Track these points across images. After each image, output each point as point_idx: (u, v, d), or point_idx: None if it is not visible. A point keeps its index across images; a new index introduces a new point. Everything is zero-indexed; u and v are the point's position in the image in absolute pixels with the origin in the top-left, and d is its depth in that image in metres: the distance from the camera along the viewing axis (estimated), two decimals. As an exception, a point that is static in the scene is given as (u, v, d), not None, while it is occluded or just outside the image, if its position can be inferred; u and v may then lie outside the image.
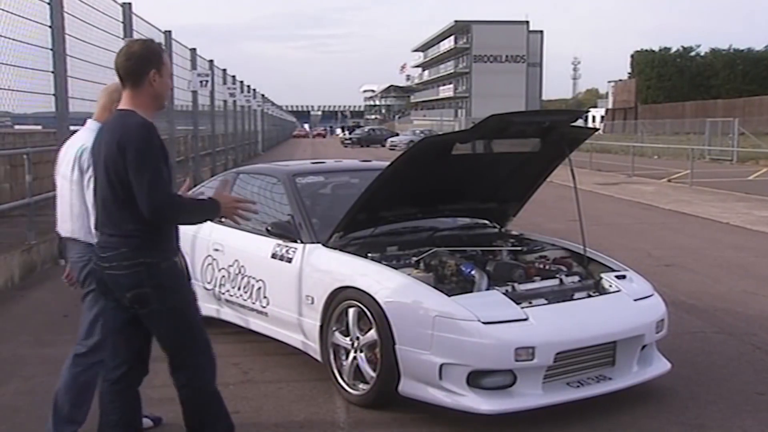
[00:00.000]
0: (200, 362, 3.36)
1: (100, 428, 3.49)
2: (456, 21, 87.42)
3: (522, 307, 4.09)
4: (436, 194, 5.03)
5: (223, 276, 5.42)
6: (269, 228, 5.00)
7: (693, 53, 78.28)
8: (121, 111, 3.24)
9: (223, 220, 4.20)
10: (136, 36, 11.71)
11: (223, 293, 5.43)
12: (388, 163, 4.72)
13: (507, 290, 4.30)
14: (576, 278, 4.66)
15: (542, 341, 3.94)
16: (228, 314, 5.49)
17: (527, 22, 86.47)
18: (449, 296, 4.08)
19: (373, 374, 4.23)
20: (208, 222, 4.44)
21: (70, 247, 3.89)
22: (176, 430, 3.75)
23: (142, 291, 3.17)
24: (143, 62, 3.21)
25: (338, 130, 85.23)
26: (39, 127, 14.88)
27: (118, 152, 3.09)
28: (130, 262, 3.16)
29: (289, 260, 4.86)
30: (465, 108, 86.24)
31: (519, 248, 5.13)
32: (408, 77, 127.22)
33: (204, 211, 3.36)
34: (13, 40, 7.83)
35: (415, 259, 4.64)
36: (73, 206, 3.78)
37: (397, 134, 55.90)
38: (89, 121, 3.86)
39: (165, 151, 3.19)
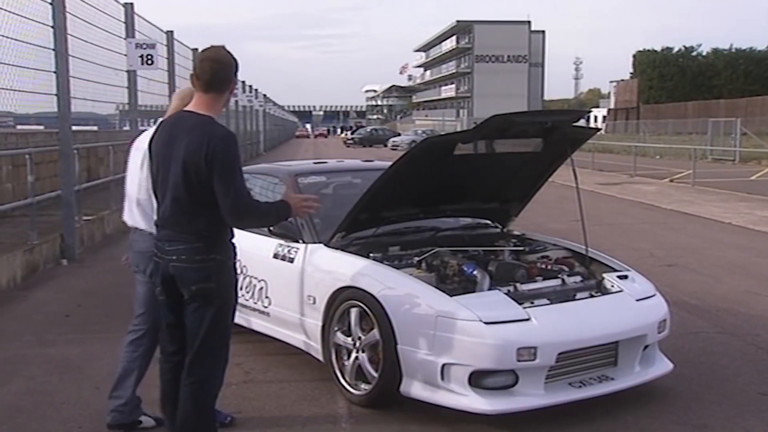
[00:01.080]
0: (217, 363, 3.46)
1: (162, 397, 3.66)
2: (458, 21, 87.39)
3: (524, 307, 4.09)
4: (438, 194, 5.02)
5: (225, 276, 5.42)
6: (271, 228, 5.00)
7: (695, 53, 78.25)
8: (201, 116, 3.31)
9: None
10: (138, 36, 11.72)
11: (225, 293, 5.42)
12: (390, 163, 4.72)
13: (509, 290, 4.30)
14: (578, 278, 4.66)
15: (544, 341, 3.94)
16: (230, 314, 5.48)
17: (529, 22, 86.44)
18: (451, 296, 4.08)
19: (375, 374, 4.23)
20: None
21: (137, 237, 4.03)
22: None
23: (208, 286, 3.30)
24: (232, 69, 3.33)
25: (338, 130, 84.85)
26: (41, 127, 14.90)
27: (204, 161, 3.19)
28: (202, 257, 3.30)
29: (291, 260, 4.86)
30: (467, 108, 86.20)
31: (521, 248, 5.13)
32: (410, 77, 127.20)
33: (278, 213, 3.49)
34: (16, 40, 7.84)
35: (417, 259, 4.64)
36: (141, 199, 3.95)
37: (399, 134, 55.89)
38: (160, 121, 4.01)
39: (240, 159, 3.32)
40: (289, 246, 4.93)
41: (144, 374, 4.00)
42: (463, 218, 5.54)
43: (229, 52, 3.38)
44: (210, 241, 3.31)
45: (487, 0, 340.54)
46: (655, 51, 79.31)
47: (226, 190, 3.19)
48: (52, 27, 8.53)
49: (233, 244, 3.46)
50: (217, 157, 3.19)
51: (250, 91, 31.80)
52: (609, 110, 76.38)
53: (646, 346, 4.42)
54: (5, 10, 7.63)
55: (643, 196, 16.52)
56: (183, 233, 3.32)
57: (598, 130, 5.89)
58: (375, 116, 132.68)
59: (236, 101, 26.53)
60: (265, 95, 42.30)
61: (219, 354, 3.45)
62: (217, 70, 3.30)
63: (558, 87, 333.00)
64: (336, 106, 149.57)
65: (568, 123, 4.73)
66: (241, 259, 5.22)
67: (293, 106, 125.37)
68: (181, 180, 3.27)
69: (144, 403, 4.04)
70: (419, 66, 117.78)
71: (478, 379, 3.93)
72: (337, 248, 4.72)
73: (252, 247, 5.20)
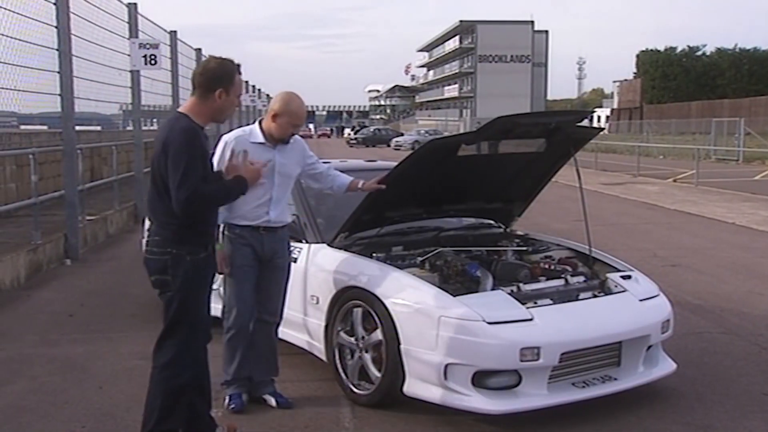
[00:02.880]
0: (180, 353, 3.52)
1: None
2: (461, 21, 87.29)
3: (527, 308, 4.09)
4: (441, 194, 5.02)
5: (228, 276, 5.41)
6: (274, 228, 4.99)
7: (699, 53, 78.08)
8: (177, 113, 3.56)
9: None
10: (141, 36, 11.74)
11: (228, 293, 5.42)
12: (393, 163, 4.72)
13: (512, 290, 4.30)
14: (581, 278, 4.65)
15: (547, 341, 3.93)
16: (233, 314, 5.48)
17: (532, 22, 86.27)
18: (454, 296, 4.08)
19: (378, 374, 4.23)
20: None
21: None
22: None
23: (163, 278, 3.46)
24: (215, 79, 3.52)
25: (347, 130, 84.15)
26: (45, 128, 14.93)
27: (162, 151, 3.40)
28: (160, 250, 3.46)
29: (294, 260, 4.86)
30: (470, 108, 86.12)
31: (524, 248, 5.13)
32: (413, 77, 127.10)
33: (232, 192, 3.63)
34: (20, 40, 7.85)
35: (420, 259, 4.64)
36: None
37: (402, 134, 55.87)
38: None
39: (204, 154, 3.46)
40: (292, 246, 4.93)
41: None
42: (467, 218, 5.54)
43: (220, 63, 3.57)
44: (168, 235, 3.44)
45: (490, 0, 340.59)
46: (659, 51, 79.16)
47: (173, 179, 3.34)
48: (56, 27, 8.54)
49: (206, 238, 3.55)
50: (170, 147, 3.36)
51: (253, 91, 31.77)
52: (612, 110, 76.33)
53: (649, 347, 4.42)
54: (9, 10, 7.64)
55: (646, 196, 16.51)
56: (153, 225, 3.52)
57: (602, 129, 5.90)
58: (378, 116, 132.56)
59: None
60: (268, 95, 42.28)
61: (183, 344, 3.52)
62: (198, 76, 3.55)
63: (561, 87, 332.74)
64: (339, 106, 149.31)
65: (572, 123, 4.72)
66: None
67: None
68: (151, 174, 3.51)
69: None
70: (422, 66, 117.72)
71: (481, 379, 3.93)
72: (340, 248, 4.72)
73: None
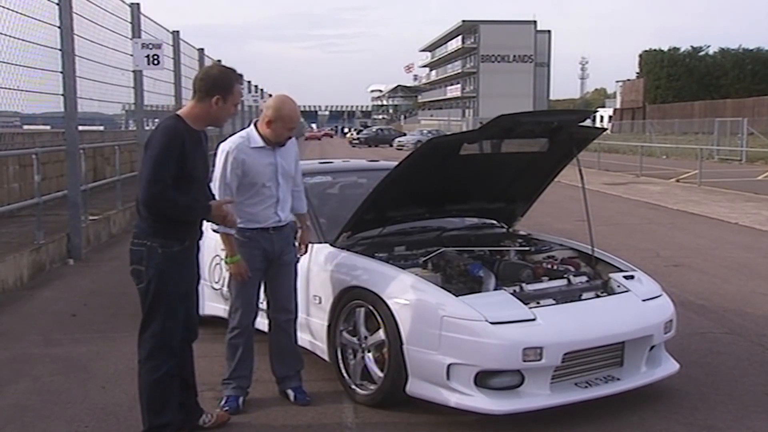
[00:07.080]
0: (152, 349, 3.66)
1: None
2: (463, 21, 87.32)
3: (530, 308, 4.08)
4: (443, 194, 5.02)
5: (231, 276, 5.42)
6: (277, 228, 4.99)
7: (702, 53, 77.91)
8: (173, 114, 3.70)
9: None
10: (144, 36, 11.75)
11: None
12: (395, 163, 4.72)
13: (515, 290, 4.29)
14: (584, 278, 4.65)
15: (550, 341, 3.93)
16: (236, 314, 5.48)
17: (535, 21, 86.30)
18: (457, 296, 4.08)
19: (381, 374, 4.23)
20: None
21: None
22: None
23: (138, 268, 3.64)
24: (213, 86, 3.65)
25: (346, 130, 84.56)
26: (47, 127, 14.97)
27: (145, 147, 3.59)
28: (137, 241, 3.64)
29: (297, 260, 4.85)
30: (472, 108, 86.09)
31: (527, 248, 5.12)
32: (415, 77, 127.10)
33: (196, 211, 3.70)
34: (23, 40, 7.87)
35: (422, 259, 4.64)
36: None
37: (405, 134, 55.86)
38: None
39: (182, 155, 3.51)
40: (295, 245, 4.92)
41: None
42: (469, 218, 5.54)
43: (221, 70, 3.72)
44: (144, 227, 3.60)
45: (493, 0, 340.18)
46: (662, 51, 78.96)
47: (143, 174, 3.51)
48: (59, 27, 8.56)
49: (180, 232, 3.62)
50: (149, 144, 3.55)
51: (256, 91, 31.81)
52: (615, 110, 76.26)
53: (652, 347, 4.41)
54: (12, 10, 7.65)
55: (649, 196, 16.49)
56: (137, 219, 3.69)
57: (604, 129, 5.89)
58: (380, 116, 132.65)
59: (242, 101, 26.57)
60: (270, 95, 42.30)
61: (159, 336, 3.65)
62: (198, 80, 3.69)
63: (564, 87, 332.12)
64: (341, 106, 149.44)
65: (574, 123, 4.72)
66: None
67: (299, 106, 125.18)
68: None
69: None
70: (425, 66, 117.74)
71: (484, 379, 3.93)
72: (342, 248, 4.72)
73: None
